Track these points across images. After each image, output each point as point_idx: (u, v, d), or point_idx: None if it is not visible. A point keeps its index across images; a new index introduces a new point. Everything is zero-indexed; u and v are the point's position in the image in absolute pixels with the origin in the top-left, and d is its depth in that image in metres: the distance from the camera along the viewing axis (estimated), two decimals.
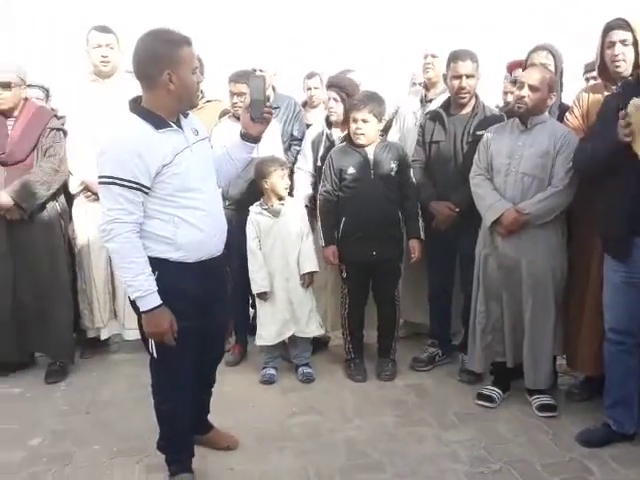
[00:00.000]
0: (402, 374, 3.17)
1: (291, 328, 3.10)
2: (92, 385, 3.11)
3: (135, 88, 3.20)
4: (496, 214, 2.60)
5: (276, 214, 3.03)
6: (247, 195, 3.16)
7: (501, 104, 3.69)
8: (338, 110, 3.17)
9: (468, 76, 2.92)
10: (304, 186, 3.31)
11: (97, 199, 3.16)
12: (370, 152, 2.98)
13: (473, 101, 3.01)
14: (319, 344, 3.43)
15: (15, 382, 3.14)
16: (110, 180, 1.83)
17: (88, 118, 3.17)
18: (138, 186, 1.85)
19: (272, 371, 3.14)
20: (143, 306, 1.89)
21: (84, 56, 3.28)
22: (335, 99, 3.16)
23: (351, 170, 2.98)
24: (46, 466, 2.36)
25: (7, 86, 2.94)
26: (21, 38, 4.38)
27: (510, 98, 3.36)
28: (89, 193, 3.24)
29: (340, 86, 3.18)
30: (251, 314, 3.47)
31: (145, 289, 1.87)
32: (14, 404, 2.91)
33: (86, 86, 3.29)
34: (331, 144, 3.20)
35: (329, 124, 3.27)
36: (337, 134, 3.23)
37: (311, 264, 3.07)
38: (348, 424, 2.69)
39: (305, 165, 3.33)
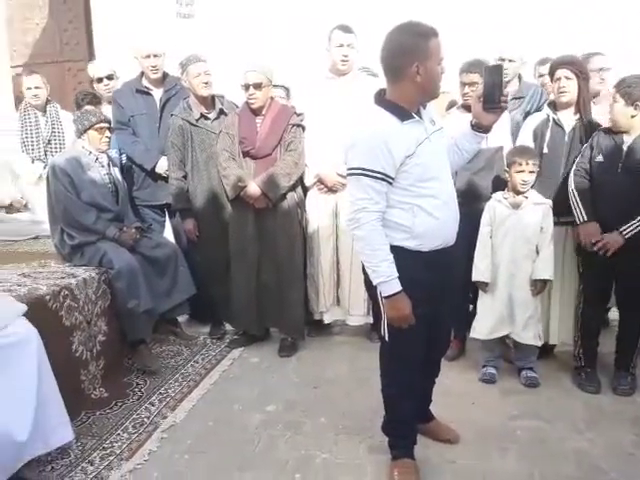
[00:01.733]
0: None
1: (506, 327, 2.97)
2: (318, 362, 3.34)
3: (368, 84, 3.42)
4: None
5: (515, 206, 2.92)
6: (471, 187, 3.11)
7: None
8: (571, 89, 2.93)
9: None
10: None
11: (328, 191, 3.47)
12: (628, 141, 2.72)
13: None
14: (544, 348, 3.23)
15: (253, 352, 3.50)
16: (360, 171, 1.94)
17: (324, 115, 3.37)
18: (384, 177, 1.93)
19: (492, 370, 3.05)
20: (386, 291, 1.97)
21: (325, 54, 3.45)
22: (567, 77, 2.92)
23: (599, 158, 2.76)
24: (281, 432, 2.59)
25: (259, 86, 3.25)
26: (264, 38, 4.78)
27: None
28: (322, 185, 3.46)
29: (572, 63, 2.94)
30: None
31: (388, 275, 1.95)
32: (253, 372, 3.26)
33: (323, 83, 3.46)
34: (560, 129, 2.98)
35: (554, 107, 3.04)
36: (567, 115, 2.99)
37: (547, 271, 2.89)
38: (578, 435, 2.50)
39: None
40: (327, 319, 3.65)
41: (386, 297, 1.98)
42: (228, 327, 3.78)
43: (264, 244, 3.36)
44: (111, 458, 2.38)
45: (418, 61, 1.92)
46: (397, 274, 1.95)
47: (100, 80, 4.04)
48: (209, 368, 3.26)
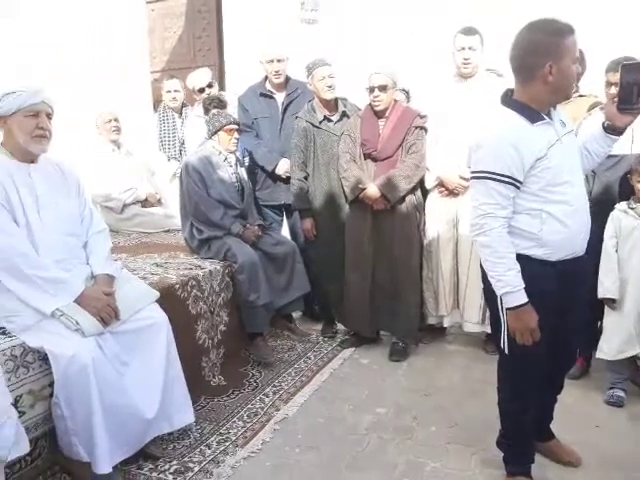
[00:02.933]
0: None
1: (636, 347, 2.73)
2: (429, 369, 3.28)
3: (494, 85, 3.31)
4: None
5: None
6: (609, 195, 2.90)
7: None
8: None
9: None
10: None
11: (449, 194, 3.40)
12: None
13: None
14: None
15: (363, 354, 3.51)
16: (486, 175, 1.87)
17: (448, 117, 3.31)
18: (512, 181, 1.85)
19: (621, 393, 2.82)
20: (511, 302, 1.89)
21: (450, 57, 3.42)
22: None
23: None
24: (390, 435, 2.57)
25: (383, 89, 3.26)
26: (386, 42, 4.77)
27: None
28: (442, 189, 3.40)
29: None
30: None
31: (514, 285, 1.86)
32: (363, 373, 3.26)
33: (448, 86, 3.42)
34: None
35: None
36: None
37: None
38: None
39: None
40: (446, 322, 3.57)
41: (510, 309, 1.90)
42: (340, 326, 3.82)
43: (381, 245, 3.36)
44: (227, 444, 2.49)
45: (552, 60, 1.82)
46: (523, 285, 1.87)
47: (202, 90, 4.25)
48: (321, 365, 3.31)
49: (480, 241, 1.92)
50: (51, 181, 2.31)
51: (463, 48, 3.28)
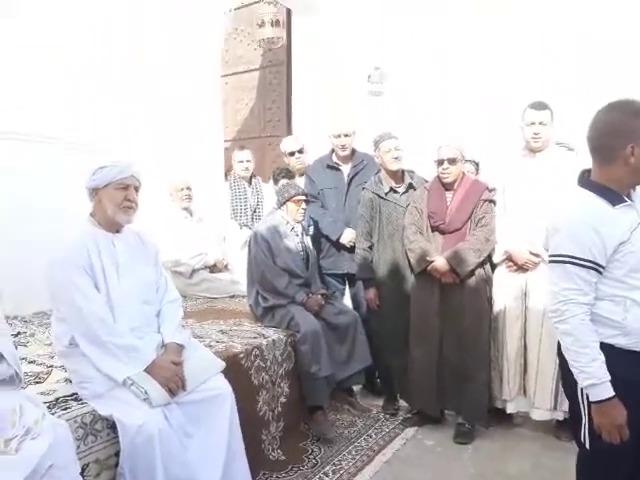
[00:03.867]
0: None
1: None
2: (498, 454, 3.10)
3: (565, 160, 3.27)
4: None
5: None
6: None
7: None
8: None
9: None
10: None
11: (517, 269, 3.31)
12: None
13: None
14: None
15: (427, 434, 3.36)
16: (566, 259, 1.81)
17: (518, 191, 3.28)
18: (594, 265, 1.78)
19: None
20: (596, 396, 1.76)
21: (518, 131, 3.40)
22: None
23: None
24: None
25: (452, 161, 3.27)
26: (452, 114, 4.82)
27: None
28: (511, 263, 3.32)
29: None
30: None
31: (600, 377, 1.75)
32: (427, 455, 3.11)
33: (517, 160, 3.39)
34: None
35: None
36: None
37: None
38: None
39: None
40: (510, 409, 3.38)
41: (595, 402, 1.78)
42: (402, 403, 3.70)
43: (448, 320, 3.27)
44: None
45: (633, 142, 1.78)
46: (609, 377, 1.76)
47: (292, 154, 4.41)
48: (382, 445, 3.19)
49: (561, 329, 1.83)
50: (132, 250, 2.40)
51: (533, 123, 3.26)
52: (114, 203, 2.31)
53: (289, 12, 5.72)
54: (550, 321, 1.89)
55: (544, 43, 4.49)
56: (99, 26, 4.35)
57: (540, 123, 3.25)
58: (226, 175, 5.36)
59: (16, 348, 2.45)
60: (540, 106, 3.28)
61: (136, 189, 2.38)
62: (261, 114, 6.69)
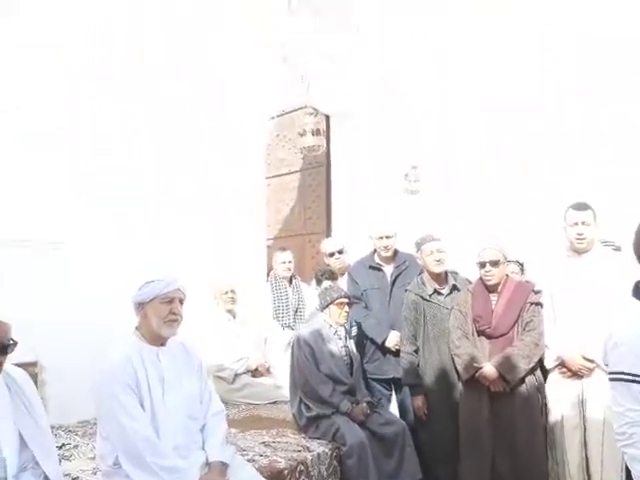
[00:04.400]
0: None
1: None
2: None
3: (612, 261, 3.19)
4: None
5: None
6: None
7: None
8: None
9: None
10: None
11: (572, 376, 3.15)
12: None
13: None
14: None
15: None
16: (630, 377, 1.72)
17: (566, 294, 3.18)
18: None
19: None
20: None
21: (562, 232, 3.37)
22: None
23: None
24: None
25: (495, 264, 3.23)
26: (493, 213, 4.81)
27: None
28: (564, 369, 3.17)
29: None
30: None
31: None
32: None
33: (563, 261, 3.32)
34: None
35: None
36: None
37: None
38: None
39: None
40: None
41: None
42: None
43: (500, 431, 3.11)
44: None
45: None
46: None
47: (332, 254, 4.47)
48: None
49: (630, 454, 1.70)
50: (177, 362, 2.41)
51: (576, 223, 3.22)
52: (159, 317, 2.34)
53: (328, 118, 5.99)
54: (618, 444, 1.77)
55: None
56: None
57: (583, 223, 3.21)
58: (267, 275, 5.43)
59: (60, 463, 2.45)
60: (581, 207, 3.26)
61: (181, 301, 2.42)
62: (301, 213, 6.85)
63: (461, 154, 5.23)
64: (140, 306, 2.39)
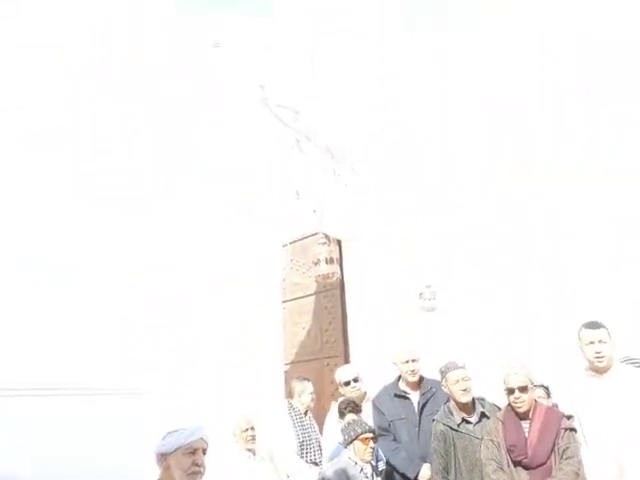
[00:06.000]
0: None
1: None
2: None
3: (635, 378, 3.10)
4: None
5: None
6: None
7: None
8: None
9: None
10: None
11: None
12: None
13: None
14: None
15: None
16: None
17: (594, 416, 3.10)
18: None
19: None
20: None
21: (578, 352, 3.30)
22: None
23: None
24: None
25: (524, 389, 3.15)
26: (515, 330, 4.73)
27: None
28: None
29: None
30: None
31: None
32: None
33: (585, 383, 3.26)
34: None
35: None
36: None
37: None
38: None
39: None
40: None
41: None
42: None
43: None
44: None
45: None
46: None
47: (348, 383, 4.32)
48: None
49: None
50: None
51: (592, 342, 3.20)
52: (182, 469, 2.27)
53: (339, 243, 6.10)
54: None
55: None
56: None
57: (600, 341, 3.20)
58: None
59: None
60: (595, 325, 3.25)
61: (204, 451, 2.36)
62: (318, 336, 6.79)
63: (475, 268, 5.27)
64: (162, 457, 2.32)
